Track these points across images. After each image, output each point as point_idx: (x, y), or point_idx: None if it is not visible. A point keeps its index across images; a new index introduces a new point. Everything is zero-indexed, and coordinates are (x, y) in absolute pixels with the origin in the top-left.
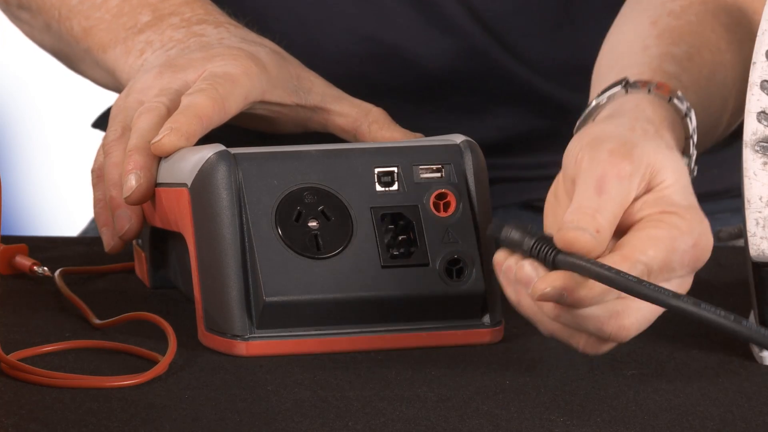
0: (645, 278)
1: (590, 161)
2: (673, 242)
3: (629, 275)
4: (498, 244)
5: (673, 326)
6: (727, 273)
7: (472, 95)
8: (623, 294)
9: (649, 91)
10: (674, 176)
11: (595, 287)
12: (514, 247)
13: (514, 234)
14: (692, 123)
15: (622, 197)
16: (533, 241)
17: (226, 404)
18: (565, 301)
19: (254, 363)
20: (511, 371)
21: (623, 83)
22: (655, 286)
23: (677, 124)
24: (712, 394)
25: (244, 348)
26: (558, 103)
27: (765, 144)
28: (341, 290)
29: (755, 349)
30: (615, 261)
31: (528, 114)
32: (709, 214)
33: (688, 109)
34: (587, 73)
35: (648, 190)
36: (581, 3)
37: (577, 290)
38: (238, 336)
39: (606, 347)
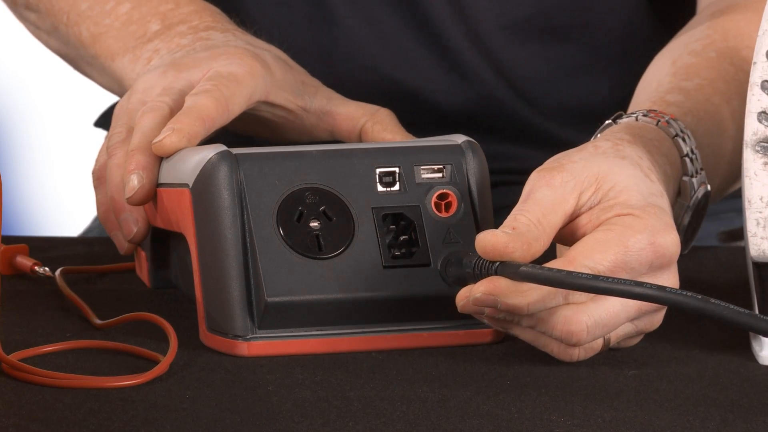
0: None
1: (525, 185)
2: (624, 242)
3: (582, 273)
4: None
5: (673, 326)
6: (727, 273)
7: (487, 138)
8: (574, 300)
9: (636, 119)
10: (626, 180)
11: (528, 294)
12: (461, 278)
13: (458, 259)
14: (687, 143)
15: (550, 199)
16: (473, 261)
17: (227, 404)
18: (501, 308)
19: (255, 363)
20: (511, 371)
21: (615, 117)
22: (613, 278)
23: (665, 142)
24: (712, 394)
25: (245, 348)
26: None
27: (765, 144)
28: (343, 290)
29: (755, 348)
30: (558, 266)
31: (542, 158)
32: (713, 214)
33: (681, 131)
34: (603, 119)
35: (601, 198)
36: (602, 50)
37: (509, 297)
38: (239, 336)
39: (576, 353)
